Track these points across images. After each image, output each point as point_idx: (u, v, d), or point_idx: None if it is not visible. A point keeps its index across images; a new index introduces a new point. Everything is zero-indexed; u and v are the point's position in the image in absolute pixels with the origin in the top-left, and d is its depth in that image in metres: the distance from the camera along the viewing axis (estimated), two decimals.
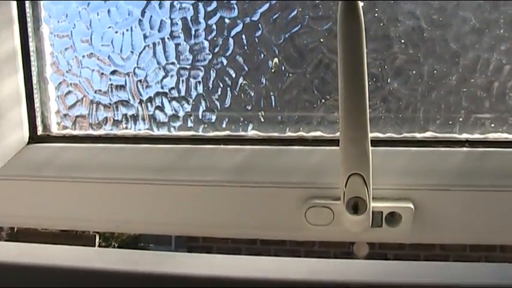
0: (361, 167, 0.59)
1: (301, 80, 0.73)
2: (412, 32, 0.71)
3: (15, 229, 3.53)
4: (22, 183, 0.76)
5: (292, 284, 0.53)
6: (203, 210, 0.72)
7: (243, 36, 0.73)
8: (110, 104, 0.78)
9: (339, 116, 0.74)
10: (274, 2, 0.72)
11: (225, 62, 0.74)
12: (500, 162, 0.68)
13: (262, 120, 0.75)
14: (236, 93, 0.74)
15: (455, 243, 3.09)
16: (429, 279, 0.57)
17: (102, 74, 0.78)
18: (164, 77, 0.76)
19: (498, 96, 0.70)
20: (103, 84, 0.78)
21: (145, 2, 0.74)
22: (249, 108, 0.75)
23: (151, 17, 0.75)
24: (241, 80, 0.74)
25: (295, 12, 0.72)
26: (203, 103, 0.75)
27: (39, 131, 0.80)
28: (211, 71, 0.74)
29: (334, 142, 0.72)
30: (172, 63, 0.75)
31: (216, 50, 0.74)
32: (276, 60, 0.73)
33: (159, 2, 0.74)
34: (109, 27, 0.76)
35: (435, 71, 0.72)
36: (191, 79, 0.75)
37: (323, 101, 0.73)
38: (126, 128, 0.78)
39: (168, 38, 0.75)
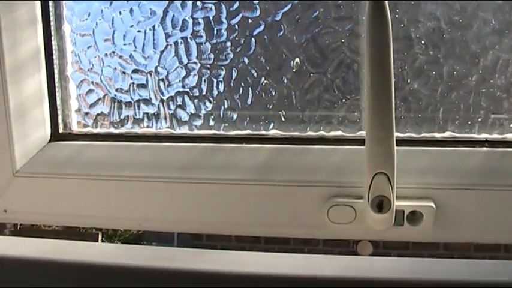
0: (386, 166, 0.60)
1: (323, 79, 0.74)
2: (432, 33, 0.72)
3: (18, 226, 3.53)
4: (44, 181, 0.77)
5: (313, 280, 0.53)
6: (225, 208, 0.72)
7: (265, 36, 0.74)
8: (131, 102, 0.79)
9: (358, 116, 0.75)
10: (297, 2, 0.73)
11: (246, 61, 0.75)
12: None
13: (283, 119, 0.76)
14: (258, 93, 0.75)
15: (462, 243, 3.10)
16: (436, 276, 0.57)
17: (124, 72, 0.78)
18: (186, 76, 0.76)
19: None
20: (124, 83, 0.79)
21: (168, 1, 0.75)
22: (270, 107, 0.75)
23: (173, 16, 0.75)
24: (262, 80, 0.75)
25: (317, 13, 0.73)
26: (225, 102, 0.76)
27: (61, 129, 0.80)
28: (233, 70, 0.75)
29: (355, 141, 0.73)
30: (194, 62, 0.76)
31: (238, 49, 0.75)
32: (297, 59, 0.74)
33: (181, 1, 0.75)
34: (131, 26, 0.77)
35: (455, 72, 0.72)
36: (213, 78, 0.76)
37: (344, 100, 0.74)
38: (148, 126, 0.79)
39: (190, 37, 0.75)
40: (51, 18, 0.78)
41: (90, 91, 0.80)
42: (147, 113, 0.78)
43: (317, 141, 0.74)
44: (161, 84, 0.77)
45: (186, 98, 0.77)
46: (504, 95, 0.72)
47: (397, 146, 0.70)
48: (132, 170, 0.75)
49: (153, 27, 0.76)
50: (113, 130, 0.80)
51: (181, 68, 0.76)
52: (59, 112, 0.80)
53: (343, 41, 0.73)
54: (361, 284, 0.51)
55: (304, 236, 0.71)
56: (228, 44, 0.75)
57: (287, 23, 0.73)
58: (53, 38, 0.78)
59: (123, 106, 0.79)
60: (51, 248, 0.57)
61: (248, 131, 0.76)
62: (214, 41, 0.75)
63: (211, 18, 0.74)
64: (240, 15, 0.74)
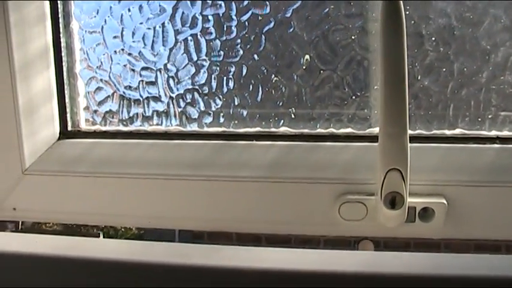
0: (400, 162, 0.60)
1: (333, 77, 0.74)
2: (443, 30, 0.72)
3: (20, 226, 3.53)
4: (53, 179, 0.76)
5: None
6: (235, 205, 0.72)
7: (275, 33, 0.74)
8: (140, 100, 0.79)
9: (369, 113, 0.75)
10: None
11: (256, 58, 0.74)
12: None
13: (293, 116, 0.75)
14: (268, 90, 0.75)
15: (462, 243, 3.11)
16: (438, 270, 0.57)
17: (133, 70, 0.78)
18: (196, 73, 0.76)
19: None
20: (134, 80, 0.78)
21: None
22: (281, 104, 0.75)
23: (183, 13, 0.75)
24: (272, 77, 0.75)
25: (327, 10, 0.73)
26: (235, 99, 0.76)
27: (69, 127, 0.80)
28: (243, 68, 0.75)
29: (365, 138, 0.73)
30: (204, 60, 0.76)
31: (248, 46, 0.74)
32: (307, 56, 0.74)
33: None
34: (140, 23, 0.76)
35: (465, 69, 0.72)
36: (223, 75, 0.75)
37: (354, 97, 0.74)
38: (157, 124, 0.78)
39: (200, 34, 0.75)
40: (60, 16, 0.78)
41: (99, 88, 0.80)
42: (157, 111, 0.78)
43: (327, 139, 0.74)
44: (171, 81, 0.77)
45: (196, 95, 0.77)
46: None
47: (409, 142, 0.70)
48: (141, 167, 0.75)
49: (163, 24, 0.76)
50: (122, 128, 0.80)
51: (191, 65, 0.76)
52: (68, 110, 0.80)
53: (353, 38, 0.73)
54: (383, 279, 0.51)
55: (315, 233, 0.71)
56: (238, 41, 0.74)
57: (297, 20, 0.73)
58: (61, 35, 0.78)
59: (132, 104, 0.79)
60: (67, 245, 0.57)
61: (258, 129, 0.76)
62: (224, 38, 0.75)
63: (221, 15, 0.74)
64: (250, 12, 0.74)
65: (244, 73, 0.75)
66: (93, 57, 0.79)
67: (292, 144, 0.73)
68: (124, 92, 0.79)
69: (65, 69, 0.79)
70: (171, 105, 0.78)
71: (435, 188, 0.67)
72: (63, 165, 0.77)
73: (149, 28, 0.76)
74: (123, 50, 0.78)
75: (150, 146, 0.77)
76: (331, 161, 0.71)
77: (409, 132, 0.73)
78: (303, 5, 0.73)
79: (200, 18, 0.75)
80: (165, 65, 0.77)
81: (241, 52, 0.75)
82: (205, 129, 0.77)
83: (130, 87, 0.79)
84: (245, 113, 0.76)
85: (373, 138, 0.72)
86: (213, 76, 0.76)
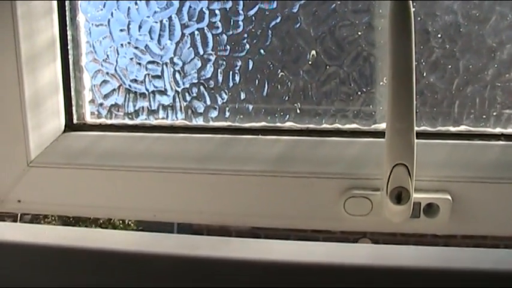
0: (406, 157, 0.60)
1: (339, 72, 0.74)
2: (449, 27, 0.72)
3: (18, 221, 3.53)
4: (58, 171, 0.77)
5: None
6: (240, 200, 0.72)
7: (282, 28, 0.74)
8: (146, 93, 0.79)
9: (374, 109, 0.75)
10: None
11: (263, 53, 0.75)
12: None
13: (299, 111, 0.76)
14: (274, 85, 0.75)
15: (462, 242, 3.11)
16: (437, 263, 0.57)
17: (139, 63, 0.78)
18: (202, 67, 0.76)
19: None
20: (140, 74, 0.78)
21: None
22: (286, 99, 0.75)
23: (190, 7, 0.75)
24: (279, 72, 0.75)
25: (334, 5, 0.73)
26: (241, 94, 0.76)
27: (75, 120, 0.80)
28: (250, 62, 0.75)
29: (370, 134, 0.73)
30: (210, 54, 0.76)
31: (255, 41, 0.75)
32: (313, 52, 0.74)
33: None
34: (147, 17, 0.76)
35: (471, 66, 0.73)
36: (229, 70, 0.76)
37: (360, 93, 0.74)
38: (163, 118, 0.78)
39: (206, 29, 0.75)
40: (67, 9, 0.78)
41: (104, 82, 0.80)
42: (162, 104, 0.78)
43: (333, 134, 0.74)
44: (177, 75, 0.77)
45: (202, 89, 0.77)
46: None
47: None
48: (147, 161, 0.75)
49: (170, 18, 0.76)
50: (127, 121, 0.80)
51: (197, 59, 0.76)
52: (74, 103, 0.80)
53: (360, 33, 0.73)
54: (389, 271, 0.51)
55: (320, 228, 0.71)
56: (245, 35, 0.75)
57: (304, 15, 0.73)
58: (68, 28, 0.78)
59: (138, 97, 0.79)
60: (76, 236, 0.57)
61: (264, 123, 0.76)
62: (231, 32, 0.75)
63: (228, 9, 0.74)
64: (257, 7, 0.74)
65: (250, 68, 0.75)
66: (100, 50, 0.79)
67: (298, 139, 0.74)
68: (130, 86, 0.79)
69: (71, 62, 0.79)
70: (177, 99, 0.78)
71: (440, 184, 0.68)
72: (68, 158, 0.77)
73: (156, 22, 0.76)
74: (129, 43, 0.78)
75: (155, 140, 0.77)
76: (336, 156, 0.71)
77: (415, 128, 0.74)
78: (310, 1, 0.73)
79: (207, 12, 0.75)
80: (172, 58, 0.77)
81: (247, 47, 0.75)
82: (211, 123, 0.77)
83: (136, 80, 0.79)
84: (251, 107, 0.76)
85: (378, 134, 0.72)
86: (219, 70, 0.76)
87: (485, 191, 0.67)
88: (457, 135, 0.72)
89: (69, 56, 0.79)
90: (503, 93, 0.73)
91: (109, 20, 0.78)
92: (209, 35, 0.75)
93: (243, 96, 0.76)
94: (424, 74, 0.73)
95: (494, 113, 0.73)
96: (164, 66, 0.77)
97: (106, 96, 0.80)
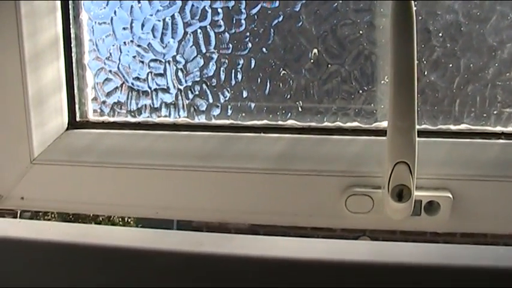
0: (407, 155, 0.61)
1: (341, 71, 0.74)
2: (450, 26, 0.72)
3: (18, 218, 3.52)
4: (61, 169, 0.77)
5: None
6: (242, 197, 0.73)
7: (284, 27, 0.74)
8: (149, 91, 0.79)
9: (375, 108, 0.76)
10: None
11: (265, 51, 0.75)
12: None
13: (300, 109, 0.76)
14: (276, 83, 0.76)
15: (461, 241, 3.12)
16: (437, 260, 0.58)
17: (142, 61, 0.78)
18: (204, 66, 0.77)
19: None
20: (142, 72, 0.79)
21: None
22: (288, 97, 0.76)
23: (192, 5, 0.75)
24: (281, 70, 0.75)
25: (335, 4, 0.73)
26: (243, 92, 0.76)
27: (78, 117, 0.81)
28: (252, 61, 0.76)
29: (371, 132, 0.74)
30: (213, 52, 0.76)
31: (257, 39, 0.75)
32: (315, 50, 0.74)
33: None
34: (150, 15, 0.77)
35: (472, 65, 0.73)
36: (231, 68, 0.76)
37: (361, 92, 0.75)
38: (165, 115, 0.79)
39: (209, 27, 0.76)
40: (70, 7, 0.78)
41: (107, 80, 0.80)
42: (165, 102, 0.79)
43: (334, 132, 0.74)
44: (179, 73, 0.78)
45: (204, 88, 0.77)
46: None
47: None
48: (149, 158, 0.76)
49: (172, 16, 0.76)
50: (130, 119, 0.80)
51: (200, 57, 0.77)
52: (76, 100, 0.80)
53: (361, 32, 0.73)
54: (389, 268, 0.52)
55: (322, 225, 0.71)
56: (247, 34, 0.75)
57: (306, 14, 0.74)
58: (71, 26, 0.78)
59: (141, 95, 0.80)
60: (80, 232, 0.57)
61: (265, 121, 0.76)
62: (233, 30, 0.75)
63: (230, 8, 0.75)
64: (260, 5, 0.74)
65: (252, 66, 0.76)
66: (102, 48, 0.79)
67: (299, 137, 0.74)
68: (132, 84, 0.80)
69: (74, 60, 0.79)
70: (180, 97, 0.78)
71: (441, 182, 0.68)
72: (71, 155, 0.77)
73: (159, 20, 0.77)
74: (132, 41, 0.78)
75: (158, 137, 0.78)
76: (337, 154, 0.72)
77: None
78: (312, 0, 0.73)
79: (210, 11, 0.75)
80: (174, 57, 0.77)
81: (249, 45, 0.75)
82: (213, 121, 0.78)
83: (139, 78, 0.79)
84: (253, 105, 0.77)
85: (379, 133, 0.73)
86: (221, 69, 0.76)
87: (486, 189, 0.68)
88: (458, 133, 0.72)
89: (72, 54, 0.79)
90: (503, 92, 0.73)
91: (112, 18, 0.78)
92: (212, 34, 0.76)
93: (245, 94, 0.77)
94: (425, 73, 0.74)
95: (495, 112, 0.74)
96: (167, 64, 0.78)
97: (109, 94, 0.81)
